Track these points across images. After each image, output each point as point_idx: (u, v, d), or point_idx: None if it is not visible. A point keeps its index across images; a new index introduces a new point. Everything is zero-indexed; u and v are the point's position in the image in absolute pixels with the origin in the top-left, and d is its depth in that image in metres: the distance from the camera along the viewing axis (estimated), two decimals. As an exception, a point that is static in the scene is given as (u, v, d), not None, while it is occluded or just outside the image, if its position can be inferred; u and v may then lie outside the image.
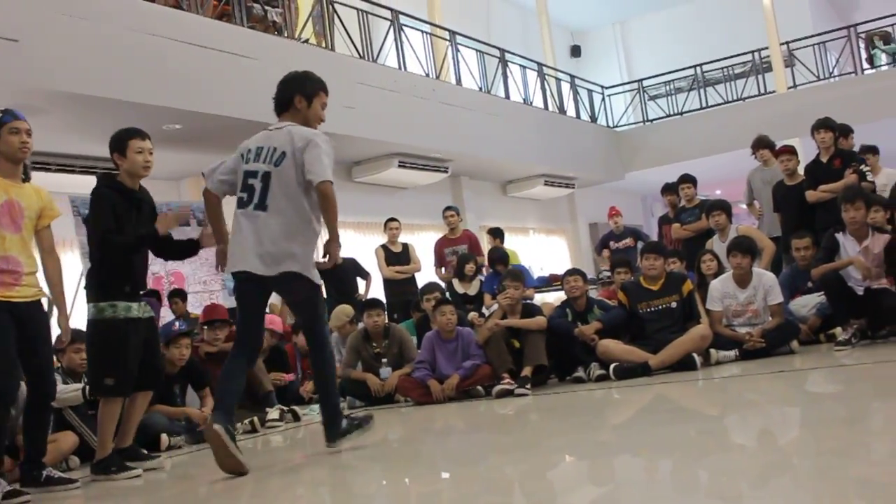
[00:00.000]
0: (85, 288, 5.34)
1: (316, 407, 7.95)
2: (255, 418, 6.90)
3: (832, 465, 3.11)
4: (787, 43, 17.32)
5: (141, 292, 5.34)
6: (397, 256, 10.71)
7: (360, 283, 10.65)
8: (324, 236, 4.76)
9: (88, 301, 5.18)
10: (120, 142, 5.26)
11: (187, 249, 5.63)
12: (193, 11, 9.46)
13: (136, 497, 4.74)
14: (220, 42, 9.50)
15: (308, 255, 4.73)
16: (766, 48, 17.35)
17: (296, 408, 7.39)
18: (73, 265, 9.40)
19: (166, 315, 9.19)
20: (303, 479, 4.66)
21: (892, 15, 17.36)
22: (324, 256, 4.69)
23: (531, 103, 16.39)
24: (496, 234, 11.12)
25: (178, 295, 9.44)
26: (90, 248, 5.50)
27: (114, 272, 5.14)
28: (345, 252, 10.90)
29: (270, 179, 4.67)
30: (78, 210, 9.16)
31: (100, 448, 5.17)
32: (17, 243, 4.71)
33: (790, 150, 9.01)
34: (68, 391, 5.86)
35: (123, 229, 5.14)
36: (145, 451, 5.61)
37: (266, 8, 10.51)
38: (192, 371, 6.79)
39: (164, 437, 6.15)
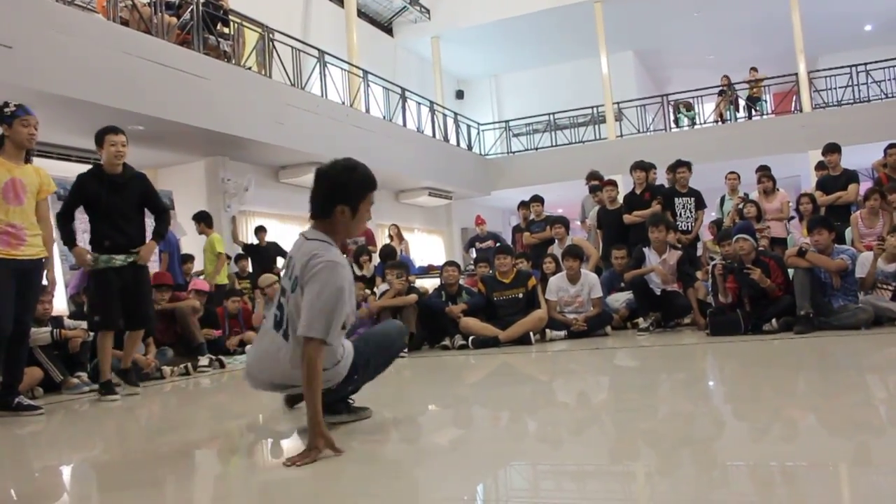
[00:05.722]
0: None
1: (239, 357, 7.85)
2: (189, 364, 6.79)
3: (628, 419, 3.20)
4: (617, 103, 17.72)
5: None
6: None
7: (280, 260, 10.56)
8: None
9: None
10: (98, 136, 5.25)
11: None
12: (160, 37, 9.17)
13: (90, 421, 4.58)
14: (180, 63, 9.21)
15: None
16: (602, 105, 17.76)
17: (222, 357, 7.30)
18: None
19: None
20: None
21: (694, 90, 18.16)
22: None
23: (423, 132, 16.38)
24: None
25: None
26: None
27: (92, 234, 5.24)
28: (270, 237, 10.85)
29: (284, 309, 3.03)
30: (57, 190, 8.78)
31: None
32: (19, 214, 4.58)
33: (613, 183, 9.25)
34: (40, 332, 5.63)
35: (96, 204, 5.19)
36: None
37: (219, 40, 10.29)
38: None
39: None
